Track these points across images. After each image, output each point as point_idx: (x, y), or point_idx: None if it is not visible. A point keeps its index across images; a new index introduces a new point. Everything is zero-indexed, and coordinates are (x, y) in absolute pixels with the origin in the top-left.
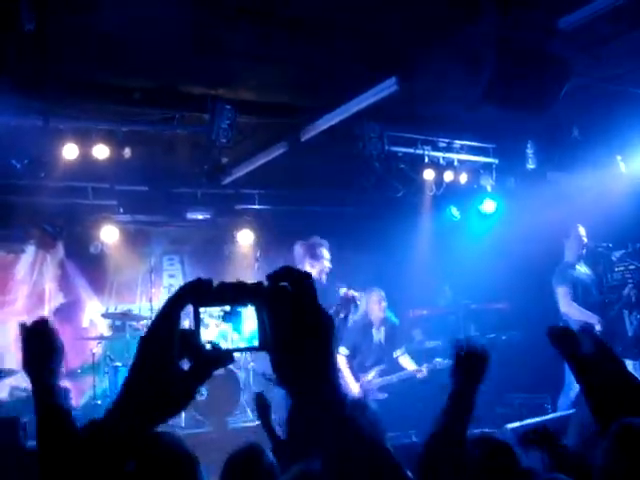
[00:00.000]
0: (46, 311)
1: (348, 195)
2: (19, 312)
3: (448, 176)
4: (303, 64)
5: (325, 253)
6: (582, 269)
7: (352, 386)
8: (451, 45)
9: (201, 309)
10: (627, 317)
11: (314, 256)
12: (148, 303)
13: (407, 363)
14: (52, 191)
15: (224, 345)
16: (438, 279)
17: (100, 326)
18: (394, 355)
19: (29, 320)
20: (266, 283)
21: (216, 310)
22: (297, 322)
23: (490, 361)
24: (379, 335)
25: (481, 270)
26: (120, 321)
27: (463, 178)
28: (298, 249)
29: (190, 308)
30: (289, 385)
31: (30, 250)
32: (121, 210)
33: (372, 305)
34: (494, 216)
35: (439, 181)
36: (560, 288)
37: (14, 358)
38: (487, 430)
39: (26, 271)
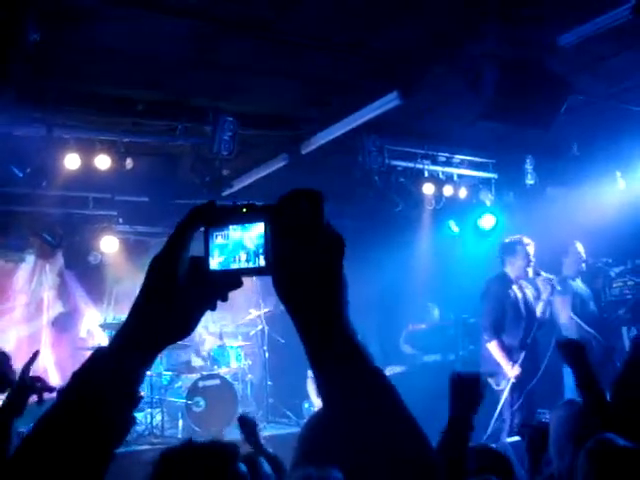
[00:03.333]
0: (44, 320)
1: (347, 208)
2: (18, 321)
3: (447, 190)
4: (305, 78)
5: None
6: (580, 285)
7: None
8: (452, 61)
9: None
10: (626, 333)
11: None
12: None
13: None
14: (53, 200)
15: (234, 266)
16: (436, 293)
17: (98, 336)
18: None
19: (28, 329)
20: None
21: (226, 231)
22: (307, 240)
23: (485, 390)
24: None
25: (480, 284)
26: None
27: (462, 193)
28: None
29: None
30: (293, 305)
31: (29, 259)
32: (121, 220)
33: None
34: (493, 231)
35: (438, 195)
36: (558, 299)
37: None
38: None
39: (25, 280)
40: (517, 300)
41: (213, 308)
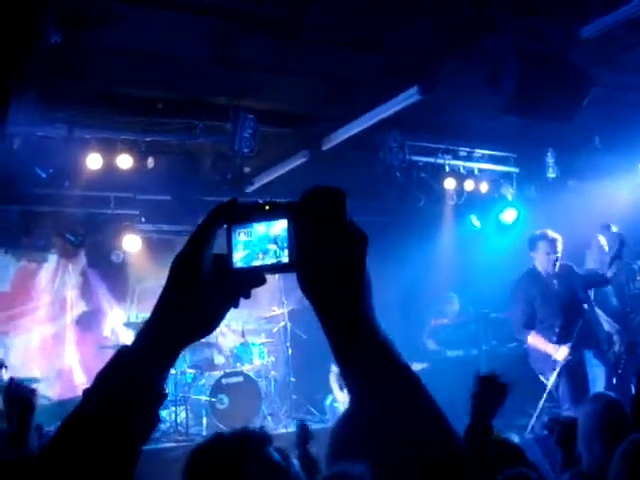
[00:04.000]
0: (68, 319)
1: (369, 204)
2: (42, 320)
3: (469, 185)
4: (325, 74)
5: None
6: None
7: (341, 398)
8: (473, 55)
9: (235, 230)
10: None
11: None
12: None
13: None
14: (75, 200)
15: (256, 263)
16: (459, 288)
17: (122, 335)
18: None
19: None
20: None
21: (249, 228)
22: (330, 236)
23: (507, 394)
24: None
25: (502, 279)
26: None
27: (484, 187)
28: None
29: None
30: (317, 302)
31: (52, 259)
32: (143, 219)
33: None
34: (515, 225)
35: (460, 190)
36: None
37: (38, 366)
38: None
39: (48, 279)
40: (547, 295)
41: (236, 305)
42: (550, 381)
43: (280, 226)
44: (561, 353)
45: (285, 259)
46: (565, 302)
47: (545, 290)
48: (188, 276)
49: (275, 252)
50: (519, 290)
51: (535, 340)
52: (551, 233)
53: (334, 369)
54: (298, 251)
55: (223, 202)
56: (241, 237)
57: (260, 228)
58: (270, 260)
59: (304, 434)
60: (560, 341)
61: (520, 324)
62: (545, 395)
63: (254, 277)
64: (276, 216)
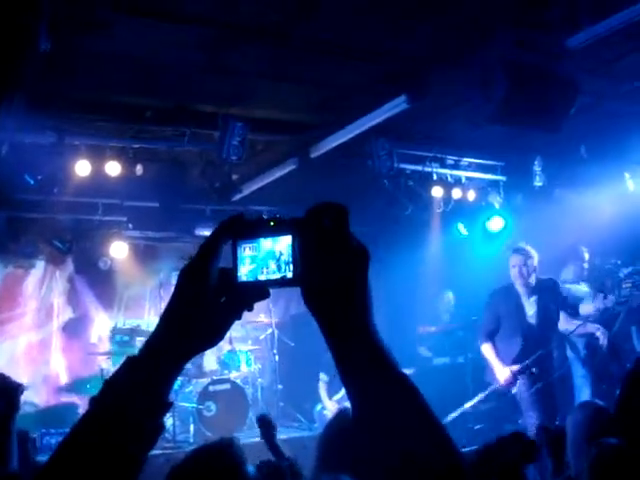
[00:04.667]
0: (55, 326)
1: (357, 212)
2: (28, 326)
3: (456, 193)
4: (314, 82)
5: None
6: (582, 288)
7: (330, 406)
8: (462, 64)
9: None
10: (635, 333)
11: None
12: (156, 318)
13: None
14: (63, 207)
15: (261, 278)
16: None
17: (108, 342)
18: None
19: (39, 334)
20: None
21: (254, 243)
22: (333, 252)
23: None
24: None
25: (489, 286)
26: (128, 337)
27: (471, 195)
28: None
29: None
30: (321, 315)
31: (40, 265)
32: (130, 226)
33: None
34: (502, 233)
35: (447, 198)
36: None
37: (24, 372)
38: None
39: (35, 286)
40: (514, 316)
41: (239, 318)
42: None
43: (285, 242)
44: (502, 374)
45: (289, 274)
46: (532, 326)
47: (514, 310)
48: (194, 288)
49: (280, 267)
50: (491, 301)
51: (487, 352)
52: (523, 246)
53: (323, 377)
54: (302, 266)
55: (231, 216)
56: (246, 252)
57: (266, 243)
58: (275, 275)
59: (267, 425)
60: (515, 362)
61: (482, 332)
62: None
63: (258, 291)
64: (281, 232)
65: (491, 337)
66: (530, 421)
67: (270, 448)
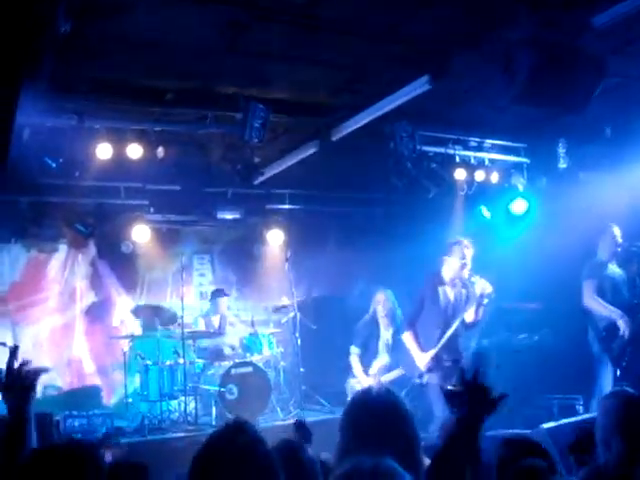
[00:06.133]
0: (77, 309)
1: (379, 195)
2: (52, 310)
3: (479, 176)
4: (336, 64)
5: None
6: (614, 268)
7: (364, 381)
8: (484, 45)
9: None
10: None
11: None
12: (179, 301)
13: None
14: (85, 190)
15: None
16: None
17: (131, 325)
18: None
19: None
20: None
21: None
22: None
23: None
24: (387, 334)
25: (512, 270)
26: (151, 319)
27: (494, 178)
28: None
29: None
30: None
31: (62, 249)
32: (152, 210)
33: (376, 306)
34: (526, 216)
35: (470, 181)
36: (586, 282)
37: (47, 356)
38: (519, 431)
39: (58, 270)
40: (442, 300)
41: None
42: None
43: None
44: (422, 360)
45: None
46: (450, 313)
47: (438, 297)
48: None
49: None
50: (422, 288)
51: (408, 340)
52: (465, 241)
53: (355, 350)
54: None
55: None
56: None
57: None
58: None
59: (303, 431)
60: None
61: (407, 319)
62: None
63: None
64: None
65: (414, 324)
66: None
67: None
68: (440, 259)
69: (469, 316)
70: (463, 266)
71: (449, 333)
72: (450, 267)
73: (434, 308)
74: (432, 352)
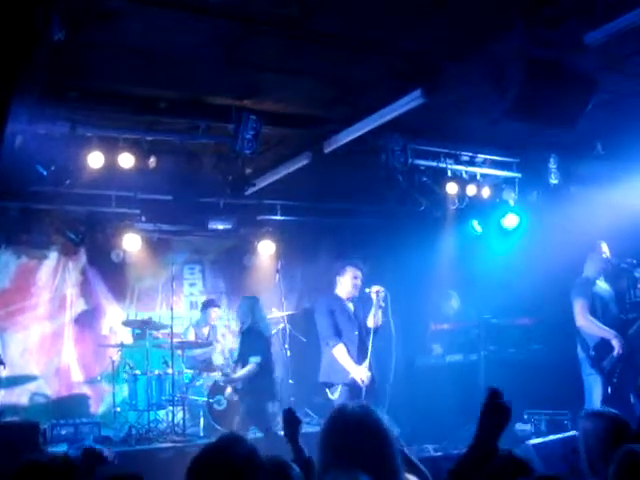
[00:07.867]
0: (67, 317)
1: (370, 208)
2: (41, 317)
3: (471, 190)
4: (328, 76)
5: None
6: (602, 285)
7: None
8: (478, 59)
9: None
10: None
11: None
12: (169, 311)
13: None
14: (76, 198)
15: None
16: (459, 293)
17: (120, 334)
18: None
19: (51, 325)
20: None
21: None
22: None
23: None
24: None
25: (503, 285)
26: (140, 329)
27: (486, 192)
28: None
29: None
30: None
31: (53, 256)
32: (143, 219)
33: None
34: (516, 230)
35: (462, 195)
36: (577, 301)
37: (36, 363)
38: (506, 447)
39: (48, 277)
40: (346, 315)
41: None
42: (335, 395)
43: None
44: (362, 372)
45: None
46: (360, 325)
47: (343, 311)
48: None
49: None
50: (322, 305)
51: (340, 353)
52: (356, 262)
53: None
54: None
55: None
56: None
57: None
58: None
59: (293, 420)
60: (358, 361)
61: (330, 332)
62: None
63: None
64: None
65: (340, 336)
66: None
67: (290, 441)
68: (334, 279)
69: (370, 322)
70: (355, 286)
71: (370, 345)
72: (343, 288)
73: (342, 325)
74: (366, 363)
